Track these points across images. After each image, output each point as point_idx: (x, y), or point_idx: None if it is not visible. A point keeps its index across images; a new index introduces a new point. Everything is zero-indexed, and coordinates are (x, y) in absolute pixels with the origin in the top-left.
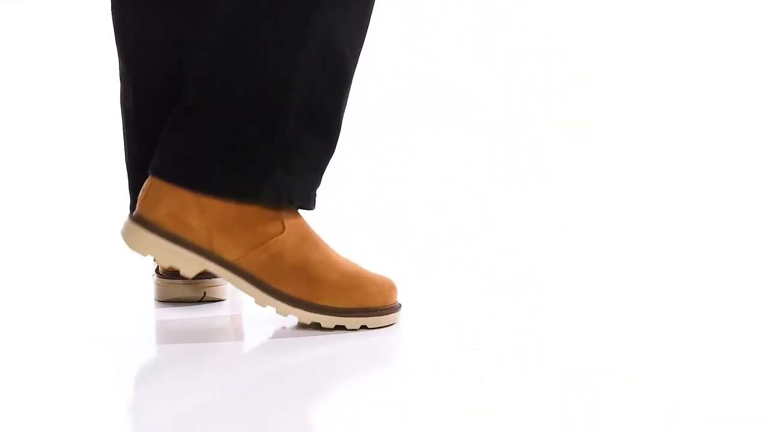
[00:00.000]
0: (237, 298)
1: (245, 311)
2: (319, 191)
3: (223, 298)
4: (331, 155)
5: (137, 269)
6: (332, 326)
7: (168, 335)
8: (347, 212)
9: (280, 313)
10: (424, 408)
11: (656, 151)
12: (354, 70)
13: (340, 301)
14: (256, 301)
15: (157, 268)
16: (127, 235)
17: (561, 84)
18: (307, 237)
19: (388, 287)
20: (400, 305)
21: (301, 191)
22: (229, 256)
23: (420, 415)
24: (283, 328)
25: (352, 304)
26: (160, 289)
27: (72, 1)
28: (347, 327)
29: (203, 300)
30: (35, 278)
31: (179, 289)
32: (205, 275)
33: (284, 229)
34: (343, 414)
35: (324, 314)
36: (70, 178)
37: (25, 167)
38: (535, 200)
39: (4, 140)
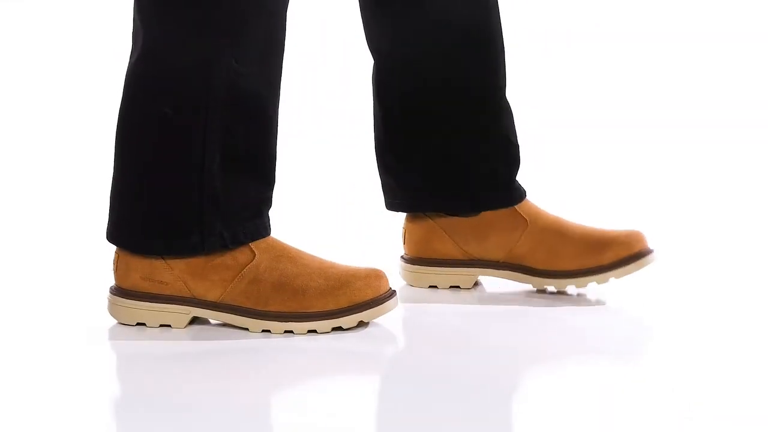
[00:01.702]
0: None
1: None
2: (272, 213)
3: None
4: (272, 186)
5: None
6: (329, 329)
7: (164, 337)
8: (348, 212)
9: (276, 333)
10: (423, 407)
11: (656, 150)
12: (275, 103)
13: (329, 303)
14: (251, 329)
15: None
16: (112, 310)
17: (561, 84)
18: (281, 254)
19: (375, 278)
20: (393, 291)
21: (247, 229)
22: (211, 296)
23: (418, 415)
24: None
25: (343, 303)
26: None
27: (72, 1)
28: (344, 326)
29: None
30: (35, 278)
31: None
32: None
33: (255, 254)
34: (340, 414)
35: (317, 320)
36: (70, 177)
37: (25, 167)
38: (534, 200)
39: (4, 140)
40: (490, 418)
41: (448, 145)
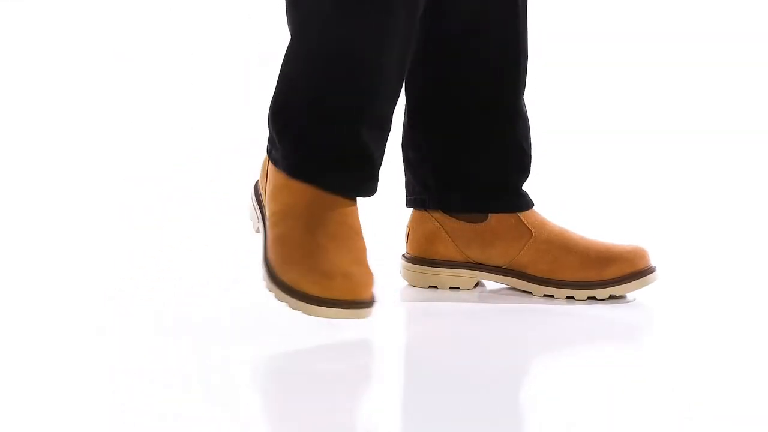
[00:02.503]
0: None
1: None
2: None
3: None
4: (383, 149)
5: (134, 268)
6: (606, 296)
7: (168, 331)
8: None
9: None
10: (423, 406)
11: (656, 151)
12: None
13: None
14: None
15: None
16: (249, 210)
17: (561, 84)
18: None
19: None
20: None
21: (354, 183)
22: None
23: (418, 415)
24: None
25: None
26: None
27: (72, 1)
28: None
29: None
30: (35, 278)
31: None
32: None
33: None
34: (339, 414)
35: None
36: (70, 177)
37: (25, 167)
38: (535, 200)
39: (4, 140)
40: (491, 418)
41: (461, 144)
